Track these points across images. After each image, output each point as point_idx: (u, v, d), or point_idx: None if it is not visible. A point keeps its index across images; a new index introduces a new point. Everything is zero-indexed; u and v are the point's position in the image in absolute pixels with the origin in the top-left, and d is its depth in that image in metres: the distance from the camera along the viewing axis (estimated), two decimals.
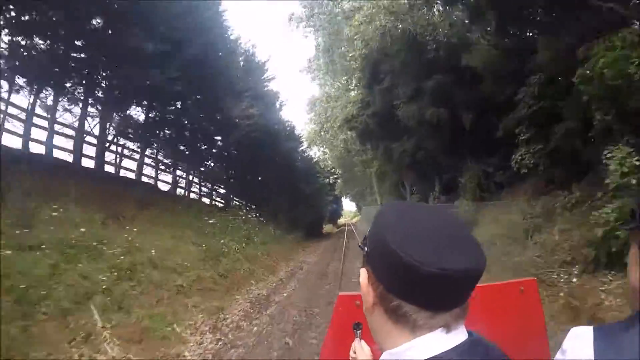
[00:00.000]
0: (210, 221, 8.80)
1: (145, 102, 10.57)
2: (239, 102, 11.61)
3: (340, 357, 0.92)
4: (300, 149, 21.13)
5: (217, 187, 14.45)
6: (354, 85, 22.80)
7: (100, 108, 9.90)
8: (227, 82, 11.74)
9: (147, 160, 11.60)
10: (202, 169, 12.41)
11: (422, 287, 0.44)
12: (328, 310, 5.53)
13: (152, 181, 11.58)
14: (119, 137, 10.49)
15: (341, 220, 63.05)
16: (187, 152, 12.31)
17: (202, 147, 12.77)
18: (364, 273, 0.52)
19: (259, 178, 16.44)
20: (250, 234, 10.32)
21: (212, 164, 13.89)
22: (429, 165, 13.29)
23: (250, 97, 12.67)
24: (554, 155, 8.12)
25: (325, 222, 33.69)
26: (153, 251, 6.01)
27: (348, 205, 58.65)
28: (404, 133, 13.71)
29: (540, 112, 8.72)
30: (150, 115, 11.24)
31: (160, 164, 11.69)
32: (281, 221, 15.21)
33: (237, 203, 15.64)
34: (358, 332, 0.86)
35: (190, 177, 12.68)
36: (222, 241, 8.02)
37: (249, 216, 12.30)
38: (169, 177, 12.04)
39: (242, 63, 15.14)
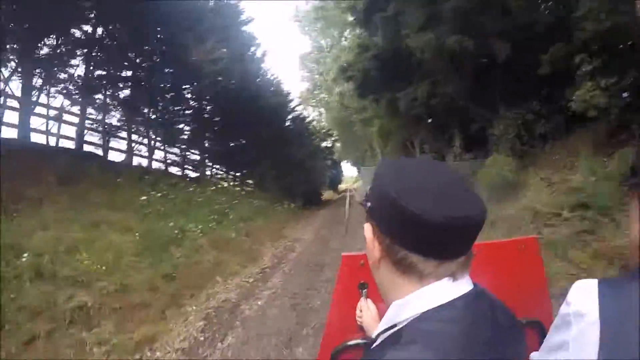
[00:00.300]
0: (159, 195, 6.46)
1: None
2: (201, 43, 8.89)
3: (346, 317, 0.95)
4: (291, 106, 18.35)
5: (187, 154, 11.86)
6: (347, 32, 19.77)
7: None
8: (189, 19, 9.03)
9: (91, 123, 9.10)
10: (164, 129, 9.83)
11: (427, 236, 0.45)
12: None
13: (99, 150, 9.13)
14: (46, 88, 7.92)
15: (342, 186, 61.21)
16: (143, 109, 9.74)
17: (164, 103, 10.12)
18: (368, 228, 0.54)
19: (242, 141, 13.90)
20: (224, 209, 8.05)
21: (180, 124, 11.22)
22: (446, 116, 10.76)
23: (219, 39, 9.86)
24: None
25: (325, 189, 31.92)
26: (48, 248, 3.79)
27: (348, 171, 56.42)
28: (414, 76, 11.07)
29: (611, 32, 6.21)
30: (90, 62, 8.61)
31: (107, 127, 9.13)
32: (270, 190, 12.97)
33: (217, 172, 13.29)
34: (363, 291, 0.92)
35: (153, 143, 10.12)
36: (171, 224, 5.74)
37: (228, 186, 9.99)
38: (123, 144, 9.55)
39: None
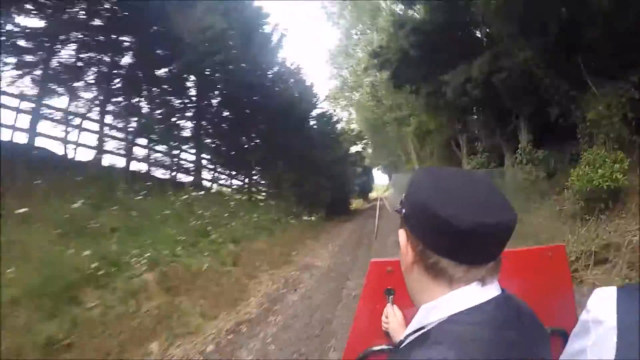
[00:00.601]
0: (74, 206, 4.32)
1: None
2: (189, 9, 6.89)
3: (372, 323, 0.95)
4: (315, 101, 16.09)
5: (179, 151, 9.49)
6: (381, 19, 17.37)
7: None
8: None
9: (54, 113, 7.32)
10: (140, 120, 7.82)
11: (457, 241, 0.47)
12: None
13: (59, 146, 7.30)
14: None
15: (373, 195, 57.89)
16: (123, 95, 7.86)
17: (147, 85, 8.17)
18: (402, 234, 0.55)
19: (253, 137, 11.79)
20: (206, 225, 5.87)
21: (171, 116, 9.17)
22: (512, 99, 7.97)
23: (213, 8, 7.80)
24: None
25: (354, 197, 29.55)
26: None
27: (380, 179, 53.30)
28: (467, 50, 8.45)
29: None
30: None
31: (70, 116, 7.31)
32: (286, 199, 10.74)
33: (221, 176, 11.24)
34: (390, 297, 0.92)
35: (130, 137, 8.16)
36: (86, 252, 3.57)
37: (226, 192, 7.86)
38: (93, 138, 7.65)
39: None
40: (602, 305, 0.54)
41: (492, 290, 0.50)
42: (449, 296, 0.49)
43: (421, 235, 0.51)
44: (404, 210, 0.55)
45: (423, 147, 20.40)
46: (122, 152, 7.77)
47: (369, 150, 38.01)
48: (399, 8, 12.71)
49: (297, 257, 7.14)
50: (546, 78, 6.87)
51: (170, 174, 8.84)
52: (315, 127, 16.12)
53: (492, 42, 7.85)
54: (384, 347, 0.90)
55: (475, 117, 11.11)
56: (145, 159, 8.38)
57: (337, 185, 16.26)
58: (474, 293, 0.49)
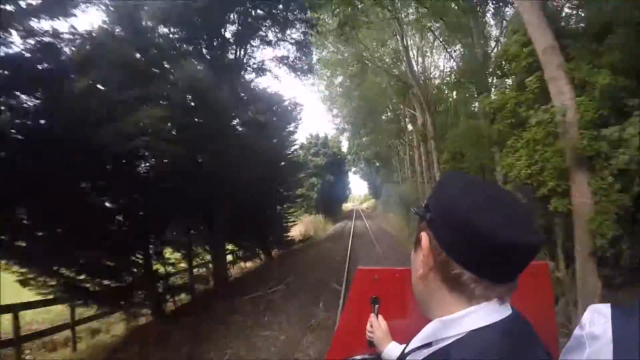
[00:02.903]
0: None
1: None
2: None
3: (355, 331, 0.94)
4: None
5: None
6: None
7: None
8: None
9: None
10: None
11: (491, 256, 0.45)
12: None
13: None
14: None
15: (347, 206, 49.37)
16: None
17: None
18: (425, 237, 0.52)
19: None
20: None
21: None
22: None
23: None
24: None
25: (313, 211, 21.78)
26: None
27: (358, 186, 45.57)
28: None
29: None
30: None
31: None
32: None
33: None
34: (376, 306, 0.92)
35: None
36: None
37: None
38: None
39: None
40: (597, 321, 0.55)
41: (508, 308, 0.49)
42: (469, 311, 0.47)
43: (448, 243, 0.49)
44: (429, 214, 0.52)
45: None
46: None
47: (345, 144, 29.70)
48: None
49: None
50: None
51: None
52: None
53: None
54: (366, 356, 0.91)
55: None
56: None
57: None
58: (494, 311, 0.47)
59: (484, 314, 0.47)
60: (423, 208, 0.54)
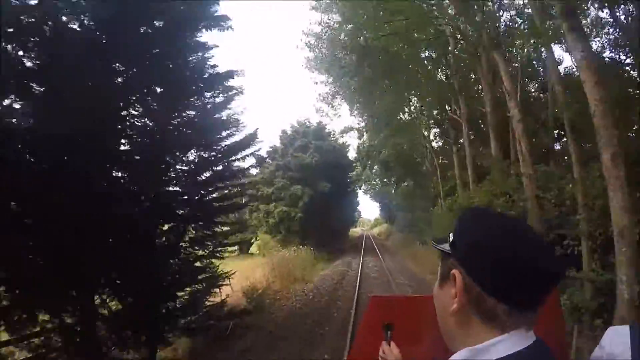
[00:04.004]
0: None
1: None
2: None
3: (369, 358, 0.94)
4: None
5: None
6: None
7: None
8: None
9: None
10: None
11: (526, 286, 0.47)
12: None
13: None
14: None
15: (356, 230, 46.08)
16: None
17: None
18: (458, 276, 0.52)
19: None
20: None
21: None
22: None
23: None
24: None
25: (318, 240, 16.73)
26: None
27: (367, 208, 41.59)
28: None
29: None
30: None
31: None
32: None
33: None
34: (389, 333, 0.91)
35: None
36: None
37: None
38: None
39: None
40: (616, 342, 0.58)
41: (532, 335, 0.50)
42: (499, 340, 0.48)
43: (481, 278, 0.50)
44: (458, 253, 0.53)
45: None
46: None
47: (353, 150, 22.21)
48: None
49: None
50: None
51: None
52: None
53: None
54: None
55: None
56: None
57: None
58: (522, 338, 0.49)
59: (514, 341, 0.48)
60: (449, 245, 0.55)
